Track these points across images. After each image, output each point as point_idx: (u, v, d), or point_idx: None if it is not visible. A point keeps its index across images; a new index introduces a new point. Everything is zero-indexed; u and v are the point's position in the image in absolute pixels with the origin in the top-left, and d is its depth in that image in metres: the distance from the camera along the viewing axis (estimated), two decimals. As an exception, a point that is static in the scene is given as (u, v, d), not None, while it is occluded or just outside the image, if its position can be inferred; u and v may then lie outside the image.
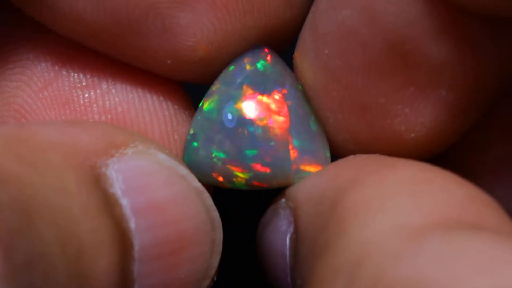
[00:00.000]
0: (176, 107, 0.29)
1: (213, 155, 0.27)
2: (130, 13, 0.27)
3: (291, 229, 0.26)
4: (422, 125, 0.26)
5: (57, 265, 0.21)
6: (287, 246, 0.27)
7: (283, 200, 0.28)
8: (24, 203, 0.21)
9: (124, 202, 0.24)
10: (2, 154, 0.22)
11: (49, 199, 0.22)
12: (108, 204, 0.24)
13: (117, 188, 0.24)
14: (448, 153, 0.29)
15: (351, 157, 0.27)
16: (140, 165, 0.25)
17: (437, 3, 0.24)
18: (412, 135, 0.26)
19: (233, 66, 0.29)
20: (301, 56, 0.28)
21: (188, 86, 0.31)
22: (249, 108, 0.27)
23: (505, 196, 0.23)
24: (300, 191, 0.27)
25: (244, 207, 0.35)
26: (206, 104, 0.28)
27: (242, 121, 0.27)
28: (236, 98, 0.27)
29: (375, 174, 0.23)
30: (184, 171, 0.26)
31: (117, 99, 0.29)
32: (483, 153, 0.29)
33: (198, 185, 0.26)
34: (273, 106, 0.27)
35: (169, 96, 0.30)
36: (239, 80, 0.28)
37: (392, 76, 0.25)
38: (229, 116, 0.27)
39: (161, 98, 0.29)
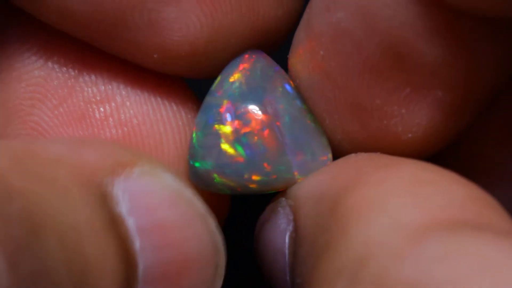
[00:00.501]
0: (190, 116, 0.30)
1: (214, 175, 0.27)
2: (116, 6, 0.27)
3: (291, 227, 0.26)
4: (419, 126, 0.26)
5: (62, 281, 0.21)
6: (286, 245, 0.26)
7: (283, 198, 0.28)
8: (30, 218, 0.21)
9: (130, 221, 0.24)
10: (9, 169, 0.21)
11: (55, 215, 0.22)
12: (114, 223, 0.24)
13: (123, 207, 0.24)
14: (445, 155, 0.29)
15: (352, 155, 0.27)
16: (146, 185, 0.25)
17: (431, 5, 0.24)
18: (409, 135, 0.26)
19: (220, 78, 0.28)
20: (296, 57, 0.28)
21: (201, 94, 0.31)
22: (241, 122, 0.27)
23: (502, 199, 0.23)
24: (301, 190, 0.27)
25: (243, 205, 0.35)
26: (198, 118, 0.28)
27: (233, 137, 0.27)
28: (223, 114, 0.27)
29: (377, 173, 0.24)
30: (189, 194, 0.26)
31: (132, 112, 0.29)
32: (481, 155, 0.30)
33: (203, 209, 0.26)
34: (262, 121, 0.27)
35: (183, 106, 0.30)
36: (225, 94, 0.28)
37: (387, 78, 0.25)
38: (220, 132, 0.27)
39: (175, 108, 0.29)
